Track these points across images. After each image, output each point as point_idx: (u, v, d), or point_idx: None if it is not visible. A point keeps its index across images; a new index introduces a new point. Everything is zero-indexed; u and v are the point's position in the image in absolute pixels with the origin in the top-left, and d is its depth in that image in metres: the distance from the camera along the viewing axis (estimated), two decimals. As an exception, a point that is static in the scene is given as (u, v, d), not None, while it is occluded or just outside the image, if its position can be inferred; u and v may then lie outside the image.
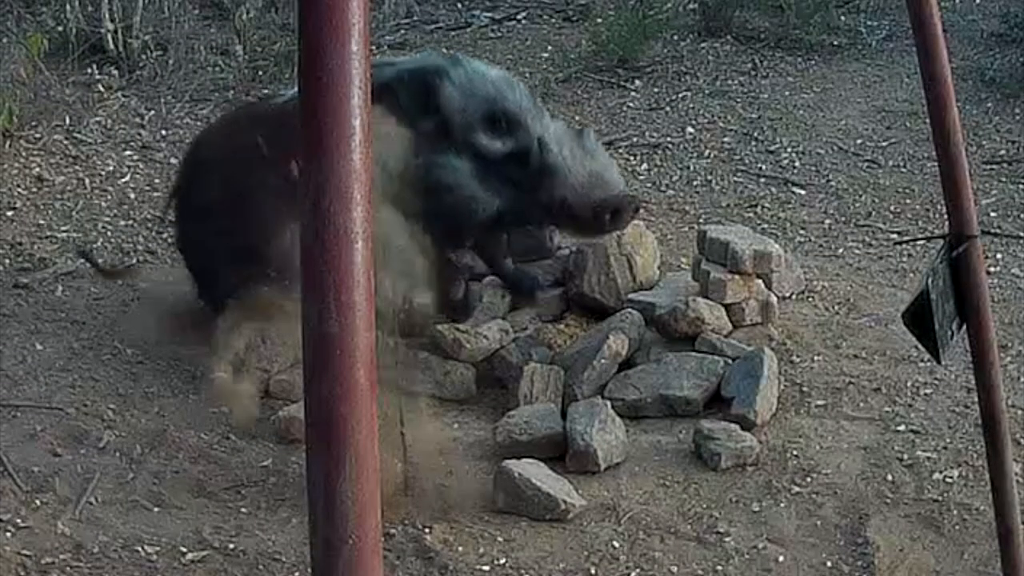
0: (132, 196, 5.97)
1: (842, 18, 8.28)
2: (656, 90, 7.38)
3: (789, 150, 6.77)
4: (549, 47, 7.81)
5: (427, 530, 3.94)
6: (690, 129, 6.97)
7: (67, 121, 6.47)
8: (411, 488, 4.05)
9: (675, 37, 7.94)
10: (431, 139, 4.75)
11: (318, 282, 1.27)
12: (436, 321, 4.71)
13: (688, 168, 6.50)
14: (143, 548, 3.85)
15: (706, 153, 6.72)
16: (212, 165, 4.97)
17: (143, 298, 5.12)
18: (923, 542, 3.95)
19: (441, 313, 4.83)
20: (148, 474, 4.18)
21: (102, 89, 6.81)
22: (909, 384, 4.69)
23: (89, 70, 6.97)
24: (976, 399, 2.91)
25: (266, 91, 6.71)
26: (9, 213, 5.73)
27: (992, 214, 6.11)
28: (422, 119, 4.76)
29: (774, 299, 4.98)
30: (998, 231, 5.88)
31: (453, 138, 4.80)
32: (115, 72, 7.00)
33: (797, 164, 6.65)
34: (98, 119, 6.60)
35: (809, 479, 4.21)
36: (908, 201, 6.28)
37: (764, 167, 6.60)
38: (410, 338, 4.73)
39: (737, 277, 4.88)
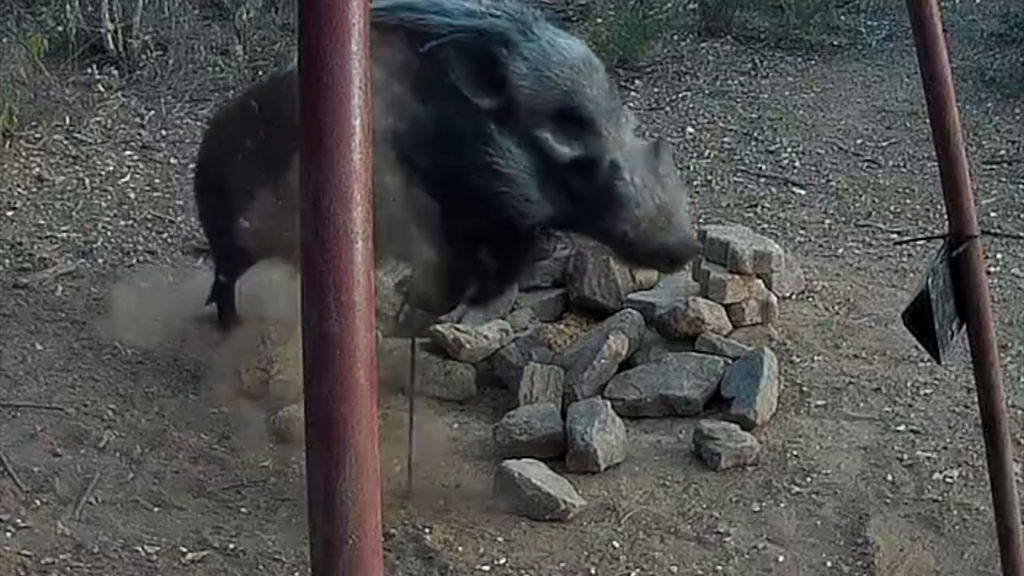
0: (132, 196, 5.97)
1: (842, 18, 8.28)
2: (656, 90, 7.38)
3: (789, 150, 6.77)
4: (549, 47, 7.81)
5: (427, 530, 3.94)
6: (690, 129, 6.97)
7: (67, 121, 6.47)
8: (412, 488, 4.06)
9: (675, 37, 7.95)
10: (488, 119, 4.13)
11: (318, 282, 1.27)
12: (429, 317, 4.68)
13: (688, 168, 6.50)
14: (143, 548, 3.85)
15: (706, 153, 6.72)
16: (224, 144, 4.84)
17: (143, 298, 5.12)
18: (923, 542, 3.95)
19: (443, 303, 4.59)
20: (148, 474, 4.18)
21: (102, 89, 6.82)
22: (909, 384, 4.69)
23: (89, 70, 6.97)
24: (976, 399, 2.91)
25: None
26: (9, 213, 5.73)
27: (992, 214, 6.11)
28: (481, 95, 4.13)
29: (774, 299, 4.98)
30: (998, 231, 5.88)
31: (516, 123, 4.14)
32: (115, 72, 7.00)
33: (797, 164, 6.65)
34: (98, 119, 6.60)
35: (809, 479, 4.21)
36: (908, 201, 6.28)
37: (764, 167, 6.61)
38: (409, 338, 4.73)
39: (737, 277, 4.88)
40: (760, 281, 4.97)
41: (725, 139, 6.87)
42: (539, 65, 4.13)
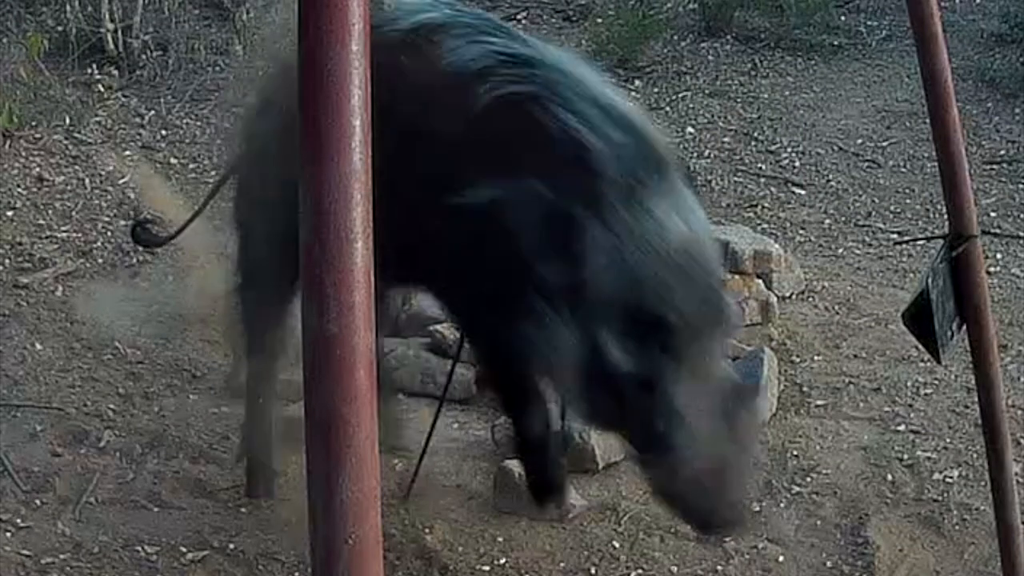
0: (132, 196, 5.96)
1: (842, 18, 8.28)
2: (656, 90, 7.38)
3: (789, 150, 6.77)
4: (549, 47, 7.81)
5: (427, 530, 3.93)
6: (690, 129, 6.97)
7: (67, 121, 6.47)
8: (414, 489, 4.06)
9: (675, 37, 7.95)
10: (538, 291, 3.25)
11: (318, 282, 1.27)
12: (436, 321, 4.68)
13: (688, 168, 6.50)
14: (143, 548, 3.85)
15: (706, 153, 6.72)
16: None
17: (143, 298, 5.12)
18: (923, 542, 3.95)
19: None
20: (148, 474, 4.18)
21: (102, 89, 6.82)
22: (909, 384, 4.69)
23: (89, 70, 6.97)
24: (976, 399, 2.91)
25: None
26: (9, 213, 5.73)
27: (992, 214, 6.11)
28: (539, 258, 3.25)
29: (774, 299, 4.98)
30: (998, 231, 5.88)
31: (577, 303, 3.23)
32: (115, 72, 7.00)
33: (797, 164, 6.65)
34: (98, 119, 6.60)
35: (809, 479, 4.21)
36: (908, 201, 6.28)
37: (764, 167, 6.61)
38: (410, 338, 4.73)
39: (737, 277, 4.88)
40: (760, 281, 4.97)
41: (725, 139, 6.87)
42: (629, 242, 3.19)
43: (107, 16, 7.12)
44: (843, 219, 6.10)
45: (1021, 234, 5.92)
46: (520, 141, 3.33)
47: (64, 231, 5.63)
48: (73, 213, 5.78)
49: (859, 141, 6.88)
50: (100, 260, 5.41)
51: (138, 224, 4.69)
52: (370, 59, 1.28)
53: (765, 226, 5.90)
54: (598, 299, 3.21)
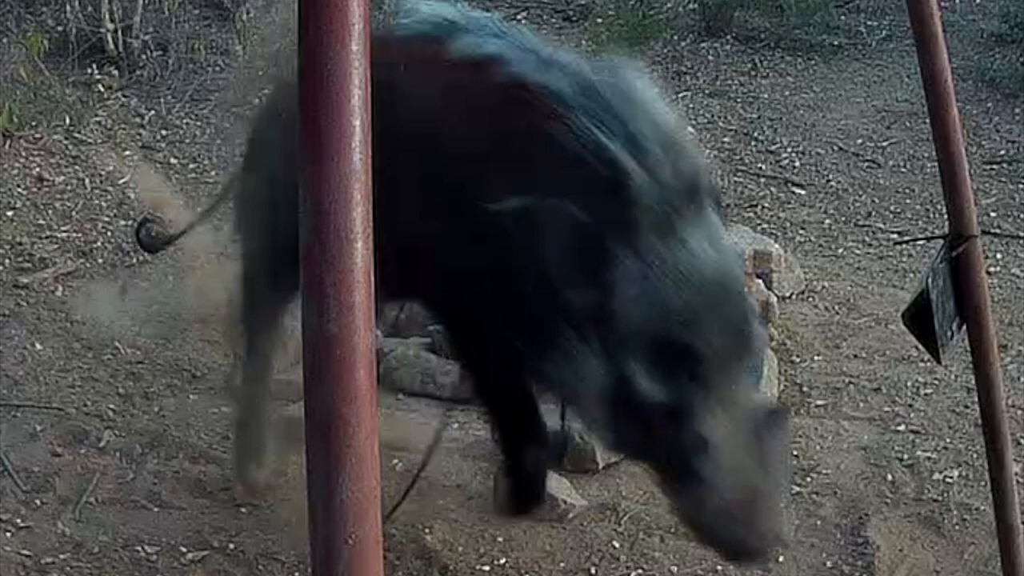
0: (132, 196, 5.96)
1: (842, 18, 8.29)
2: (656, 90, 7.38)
3: (789, 150, 6.78)
4: (549, 47, 7.80)
5: (427, 530, 3.93)
6: (690, 129, 6.97)
7: (67, 121, 6.47)
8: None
9: (675, 37, 7.95)
10: (572, 312, 3.19)
11: (318, 282, 1.27)
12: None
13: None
14: (143, 548, 3.85)
15: (706, 153, 6.72)
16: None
17: (143, 298, 5.12)
18: (923, 542, 3.95)
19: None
20: (148, 474, 4.18)
21: (102, 89, 6.82)
22: (909, 384, 4.69)
23: (89, 70, 6.97)
24: (976, 399, 2.91)
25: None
26: (9, 213, 5.73)
27: (992, 214, 6.11)
28: (569, 282, 3.17)
29: (774, 299, 4.98)
30: (998, 231, 5.88)
31: (605, 333, 3.18)
32: (115, 72, 7.00)
33: (797, 164, 6.65)
34: (98, 119, 6.60)
35: (809, 479, 4.21)
36: (908, 201, 6.28)
37: (764, 167, 6.61)
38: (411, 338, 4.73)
39: (737, 277, 4.88)
40: (760, 281, 4.97)
41: (725, 139, 6.87)
42: (658, 276, 3.14)
43: (107, 16, 7.12)
44: (843, 219, 6.10)
45: (1021, 234, 5.92)
46: (545, 157, 3.28)
47: (64, 231, 5.63)
48: (73, 213, 5.78)
49: (859, 141, 6.88)
50: (100, 260, 5.41)
51: (141, 226, 4.71)
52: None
53: (765, 226, 5.90)
54: (633, 337, 3.15)
